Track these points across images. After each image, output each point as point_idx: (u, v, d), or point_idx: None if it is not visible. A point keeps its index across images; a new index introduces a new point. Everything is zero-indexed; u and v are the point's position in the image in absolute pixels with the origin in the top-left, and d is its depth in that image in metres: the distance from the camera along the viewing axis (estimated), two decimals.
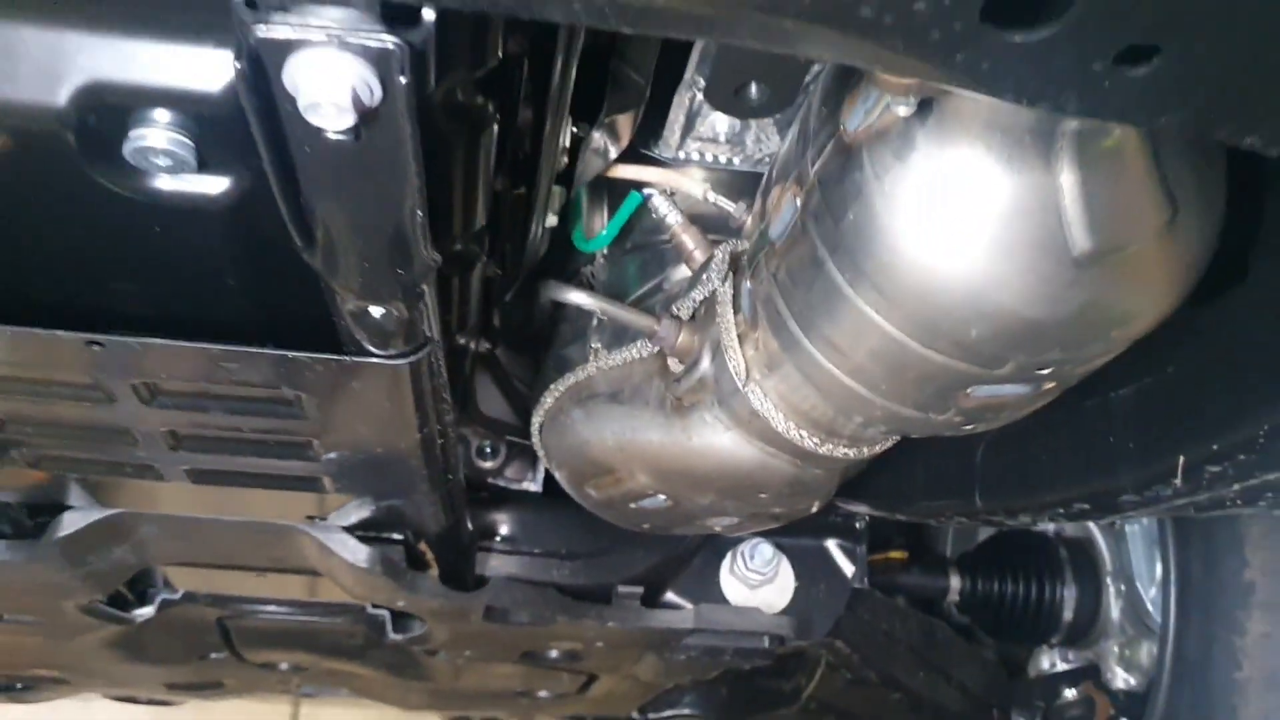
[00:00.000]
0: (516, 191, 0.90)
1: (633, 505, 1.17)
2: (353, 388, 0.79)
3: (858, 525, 1.51)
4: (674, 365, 1.02)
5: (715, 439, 1.00)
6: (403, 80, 0.48)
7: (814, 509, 1.13)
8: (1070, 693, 1.70)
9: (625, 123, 0.94)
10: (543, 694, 1.80)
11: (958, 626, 1.83)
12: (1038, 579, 1.73)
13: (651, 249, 1.14)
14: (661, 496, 1.13)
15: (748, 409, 0.94)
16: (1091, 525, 1.71)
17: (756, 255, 0.88)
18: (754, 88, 0.59)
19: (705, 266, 1.00)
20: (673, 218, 1.04)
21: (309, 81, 0.47)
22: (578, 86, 0.82)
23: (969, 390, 0.77)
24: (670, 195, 1.04)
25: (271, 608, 1.48)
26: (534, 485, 1.44)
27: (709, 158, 1.04)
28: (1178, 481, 0.85)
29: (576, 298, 1.07)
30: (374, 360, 0.76)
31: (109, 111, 0.63)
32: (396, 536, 1.23)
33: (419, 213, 0.58)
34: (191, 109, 0.63)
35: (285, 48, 0.46)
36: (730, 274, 0.95)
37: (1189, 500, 0.87)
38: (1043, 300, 0.66)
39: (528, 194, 0.91)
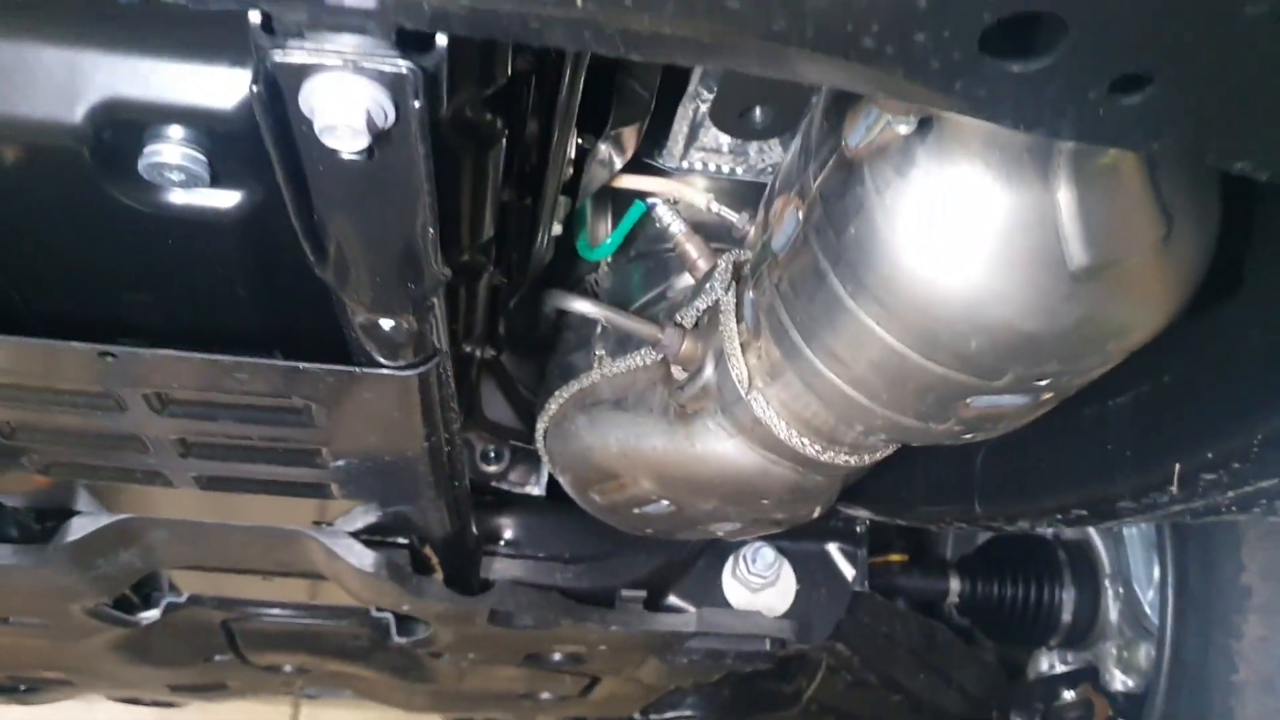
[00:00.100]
0: (523, 202, 0.91)
1: (636, 510, 1.19)
2: (362, 398, 0.80)
3: (859, 529, 1.52)
4: (677, 373, 1.03)
5: (718, 446, 1.01)
6: (416, 104, 0.49)
7: (815, 514, 1.14)
8: (1069, 694, 1.71)
9: (630, 135, 0.96)
10: (545, 696, 1.81)
11: (958, 628, 1.84)
12: (1037, 581, 1.74)
13: (655, 257, 1.15)
14: (665, 502, 1.14)
15: (750, 416, 0.95)
16: (1090, 529, 1.72)
17: (759, 266, 0.89)
18: (758, 111, 0.60)
19: (708, 276, 1.01)
20: (676, 227, 1.05)
21: (325, 105, 0.48)
22: (583, 99, 0.83)
23: (968, 401, 0.78)
24: (674, 205, 1.06)
25: (276, 611, 1.49)
26: (537, 489, 1.45)
27: (712, 168, 1.06)
28: (1174, 489, 0.86)
29: (581, 306, 1.08)
30: (383, 371, 0.77)
31: (124, 128, 0.65)
32: (402, 541, 1.24)
33: (430, 229, 0.60)
34: (205, 125, 0.65)
35: (301, 72, 0.48)
36: (733, 283, 0.96)
37: (1185, 507, 0.88)
38: (1041, 314, 0.67)
39: (534, 204, 0.92)
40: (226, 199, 0.70)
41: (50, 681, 1.92)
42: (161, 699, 2.18)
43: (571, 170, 0.98)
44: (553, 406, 1.17)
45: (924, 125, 0.65)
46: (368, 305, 0.68)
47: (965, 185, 0.65)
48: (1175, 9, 0.37)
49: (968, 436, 0.88)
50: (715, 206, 1.03)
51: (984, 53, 0.41)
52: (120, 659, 1.66)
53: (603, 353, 1.14)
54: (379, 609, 1.42)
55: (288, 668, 1.81)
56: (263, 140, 0.54)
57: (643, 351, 1.06)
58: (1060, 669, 1.73)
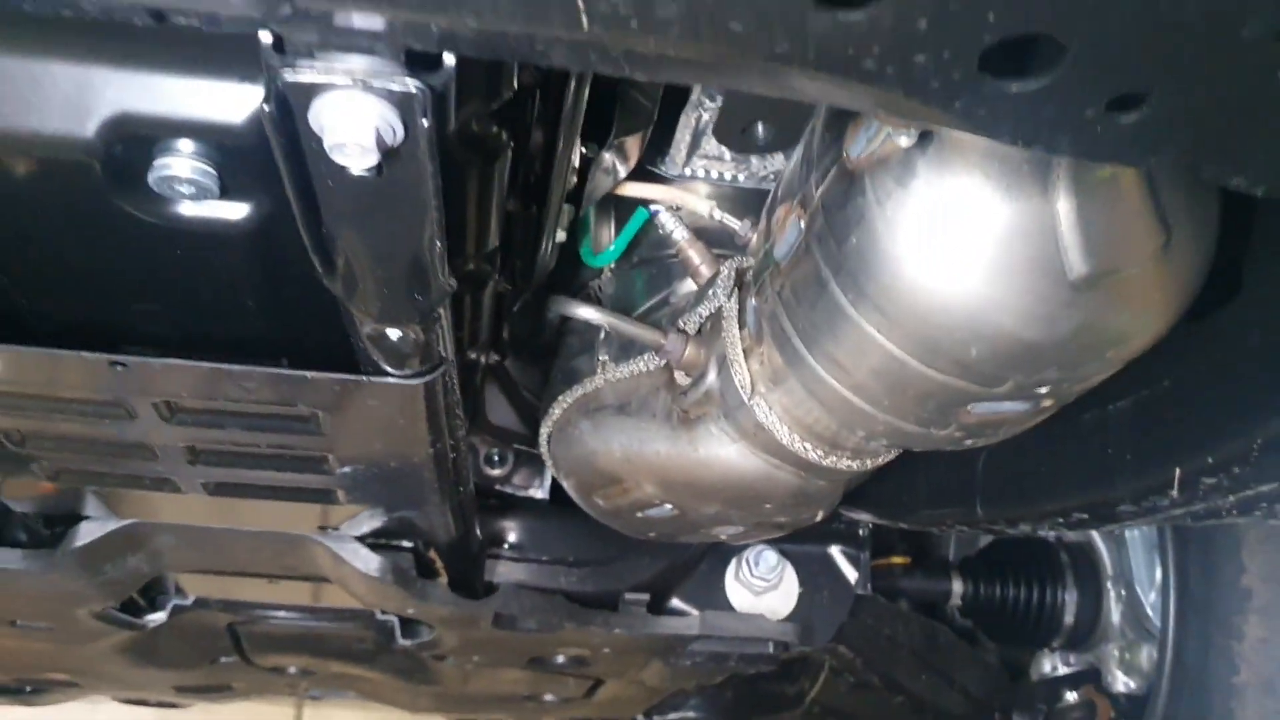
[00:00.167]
0: (528, 211, 0.92)
1: (639, 514, 1.19)
2: (368, 406, 0.81)
3: (861, 532, 1.53)
4: (680, 378, 1.04)
5: (721, 451, 1.02)
6: (424, 122, 0.50)
7: (818, 518, 1.15)
8: (1071, 696, 1.72)
9: (634, 143, 0.97)
10: (549, 698, 1.82)
11: (960, 630, 1.85)
12: (1039, 583, 1.75)
13: (658, 263, 1.16)
14: (668, 506, 1.15)
15: (753, 422, 0.95)
16: (1092, 531, 1.73)
17: (762, 273, 0.90)
18: (760, 127, 0.61)
19: (711, 282, 1.02)
20: (679, 234, 1.06)
21: (334, 123, 0.49)
22: (588, 109, 0.84)
23: (969, 407, 0.79)
24: (676, 211, 1.06)
25: (282, 613, 1.50)
26: (541, 493, 1.46)
27: (714, 175, 1.06)
28: (1174, 492, 0.87)
29: (585, 313, 1.08)
30: (390, 380, 0.78)
31: (135, 142, 0.65)
32: (407, 545, 1.25)
33: (437, 241, 0.60)
34: (215, 139, 0.65)
35: (312, 91, 0.48)
36: (736, 290, 0.97)
37: (1185, 510, 0.88)
38: (1040, 322, 0.68)
39: (538, 213, 0.93)
40: (236, 210, 0.71)
41: (55, 683, 1.93)
42: (166, 700, 2.19)
43: (575, 178, 0.99)
44: (556, 411, 1.18)
45: (924, 138, 0.65)
46: (375, 316, 0.69)
47: (965, 196, 0.66)
48: (1171, 31, 0.38)
49: (969, 442, 0.88)
50: (718, 214, 1.03)
51: (983, 73, 0.41)
52: (126, 661, 1.66)
53: (606, 358, 1.15)
54: (384, 612, 1.43)
55: (292, 669, 1.82)
56: (271, 153, 0.55)
57: (646, 357, 1.07)
58: (1063, 670, 1.74)
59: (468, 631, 1.40)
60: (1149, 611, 1.63)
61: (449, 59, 0.49)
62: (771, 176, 1.07)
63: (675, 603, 1.43)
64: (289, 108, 0.49)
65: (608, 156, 0.98)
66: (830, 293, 0.76)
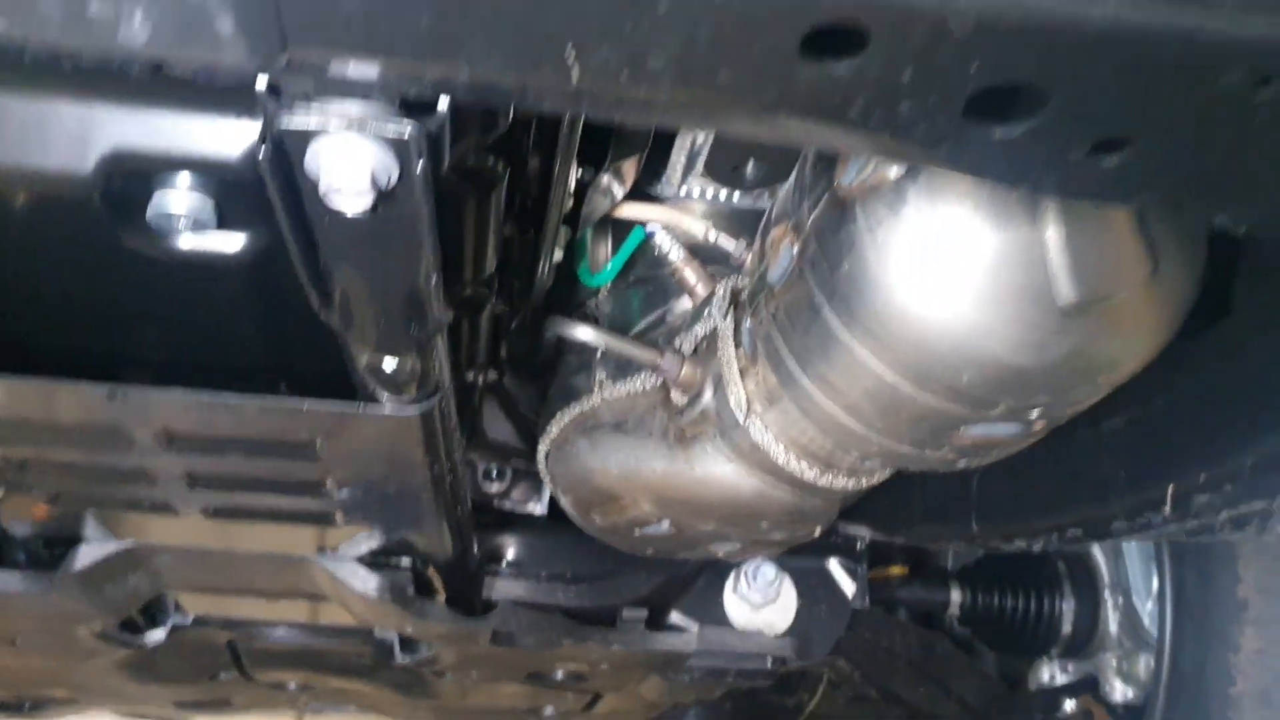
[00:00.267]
0: (525, 235, 0.92)
1: (637, 532, 1.20)
2: (366, 433, 0.81)
3: (859, 545, 1.54)
4: (677, 397, 1.04)
5: (717, 469, 1.02)
6: (420, 163, 0.50)
7: (814, 535, 1.16)
8: (1069, 704, 1.72)
9: (630, 165, 0.97)
10: (549, 711, 1.82)
11: (959, 639, 1.85)
12: (1036, 592, 1.76)
13: (654, 281, 1.16)
14: (665, 524, 1.15)
15: (748, 441, 0.96)
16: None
17: (756, 295, 0.91)
18: (751, 164, 0.61)
19: (707, 302, 1.02)
20: (675, 254, 1.06)
21: (330, 166, 0.49)
22: (584, 132, 0.84)
23: (961, 430, 0.80)
24: (673, 231, 1.07)
25: (281, 630, 1.51)
26: (539, 508, 1.46)
27: (710, 194, 1.07)
28: (1167, 509, 0.88)
29: (581, 334, 1.09)
30: (387, 408, 0.78)
31: (133, 177, 0.66)
32: (404, 563, 1.25)
33: (433, 275, 0.61)
34: (213, 173, 0.66)
35: (307, 136, 0.49)
36: (731, 309, 0.97)
37: (1179, 527, 0.89)
38: (1030, 349, 0.68)
39: (535, 237, 0.93)
40: (234, 241, 0.71)
41: (55, 700, 1.93)
42: (166, 715, 2.19)
43: (572, 201, 0.99)
44: (554, 429, 1.18)
45: (914, 168, 0.66)
46: (372, 346, 0.70)
47: (955, 224, 0.66)
48: (1151, 80, 0.39)
49: (963, 463, 0.89)
50: (713, 235, 1.04)
51: (968, 118, 0.42)
52: (126, 677, 1.67)
53: (603, 376, 1.15)
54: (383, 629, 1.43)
55: (292, 685, 1.82)
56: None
57: (642, 376, 1.07)
58: (1061, 679, 1.75)
59: (466, 648, 1.41)
60: (1146, 621, 1.63)
61: (444, 102, 0.49)
62: (767, 196, 1.08)
63: (674, 617, 1.44)
64: (285, 152, 0.50)
65: (604, 179, 0.99)
66: (823, 317, 0.77)
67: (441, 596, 1.32)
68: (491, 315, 0.96)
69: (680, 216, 1.06)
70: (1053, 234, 0.65)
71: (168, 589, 1.38)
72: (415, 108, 0.49)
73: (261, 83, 0.47)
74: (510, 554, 1.44)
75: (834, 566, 1.48)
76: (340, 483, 0.94)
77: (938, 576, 1.85)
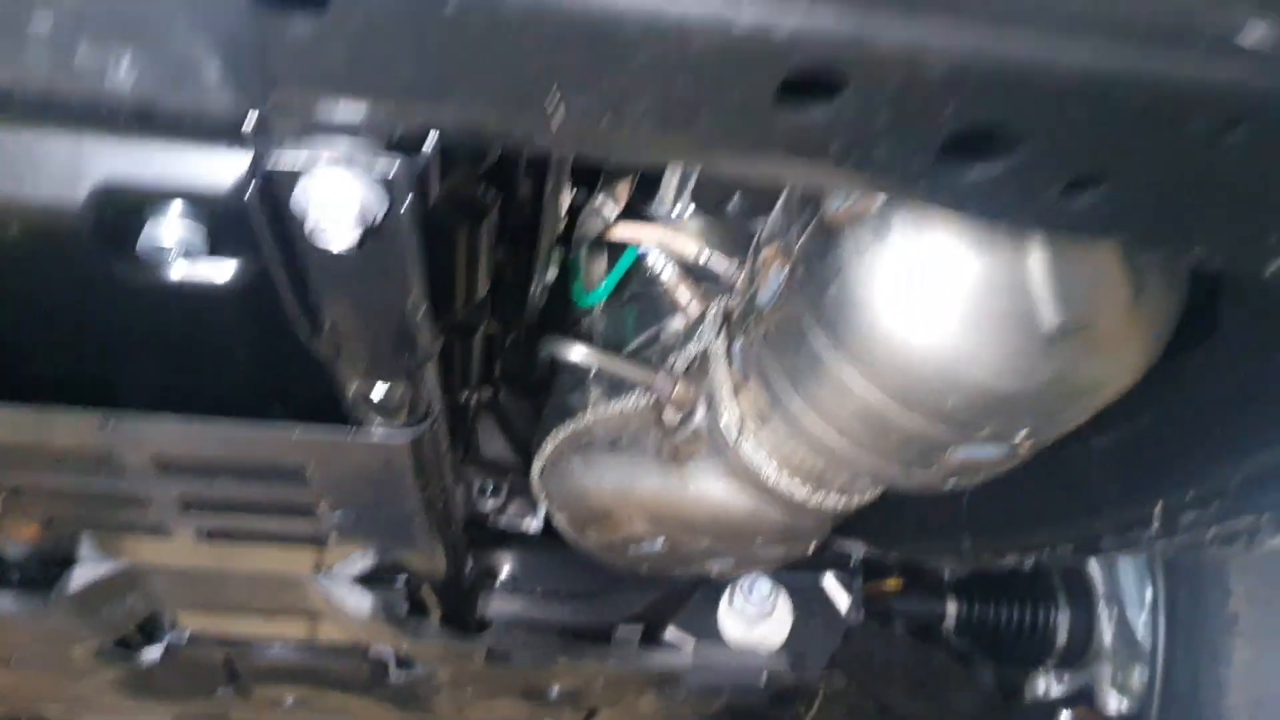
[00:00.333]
0: (517, 258, 0.93)
1: (631, 549, 1.20)
2: (357, 458, 0.82)
3: (853, 559, 1.54)
4: (670, 416, 1.05)
5: (710, 487, 1.03)
6: (407, 199, 0.51)
7: (808, 552, 1.16)
8: (1065, 715, 1.72)
9: (623, 186, 0.98)
10: None
11: (955, 650, 1.85)
12: (1032, 603, 1.76)
13: (648, 299, 1.17)
14: (659, 541, 1.16)
15: (741, 459, 0.97)
16: None
17: (747, 316, 0.91)
18: (737, 198, 0.62)
19: (700, 321, 1.03)
20: (668, 273, 1.07)
21: (318, 204, 0.50)
22: (576, 156, 0.85)
23: (949, 452, 0.80)
24: (666, 251, 1.08)
25: (277, 648, 1.51)
26: (534, 525, 1.47)
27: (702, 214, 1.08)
28: (1156, 526, 0.88)
29: (575, 354, 1.10)
30: (378, 433, 0.79)
31: (124, 207, 0.66)
32: (399, 582, 1.26)
33: (423, 305, 0.62)
34: (203, 203, 0.66)
35: (295, 175, 0.50)
36: (723, 328, 0.98)
37: (1167, 543, 0.90)
38: (1014, 374, 0.69)
39: (528, 259, 0.94)
40: (224, 269, 0.72)
41: (50, 718, 1.92)
42: None
43: (566, 222, 1.00)
44: (549, 446, 1.19)
45: None
46: (362, 374, 0.70)
47: (939, 251, 0.67)
48: (1122, 124, 0.40)
49: (953, 482, 0.90)
50: (705, 256, 1.05)
51: (943, 158, 0.43)
52: (122, 695, 1.67)
53: (597, 394, 1.16)
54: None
55: (289, 700, 1.82)
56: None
57: (636, 394, 1.08)
58: (1057, 690, 1.75)
59: (461, 666, 1.41)
60: (1140, 632, 1.64)
61: (431, 138, 0.50)
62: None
63: (669, 633, 1.44)
64: (273, 190, 0.51)
65: (598, 200, 0.99)
66: (811, 340, 0.78)
67: (436, 615, 1.32)
68: (484, 336, 0.97)
69: (673, 236, 1.07)
70: (1036, 260, 0.66)
71: (164, 607, 1.38)
72: (402, 145, 0.50)
73: (249, 123, 0.48)
74: (505, 571, 1.44)
75: (829, 581, 1.49)
76: (332, 505, 0.94)
77: (934, 588, 1.86)
